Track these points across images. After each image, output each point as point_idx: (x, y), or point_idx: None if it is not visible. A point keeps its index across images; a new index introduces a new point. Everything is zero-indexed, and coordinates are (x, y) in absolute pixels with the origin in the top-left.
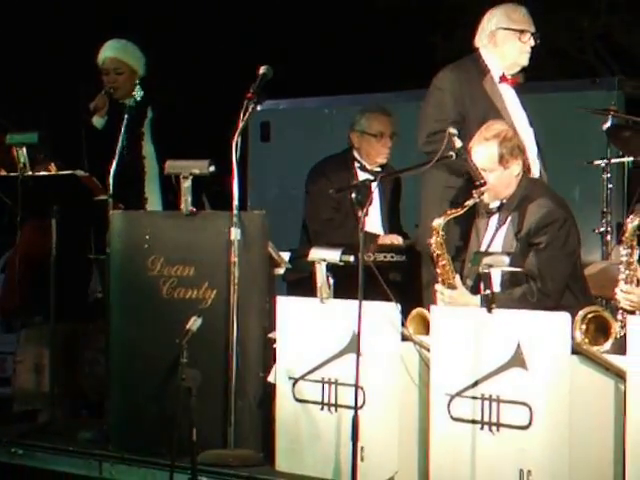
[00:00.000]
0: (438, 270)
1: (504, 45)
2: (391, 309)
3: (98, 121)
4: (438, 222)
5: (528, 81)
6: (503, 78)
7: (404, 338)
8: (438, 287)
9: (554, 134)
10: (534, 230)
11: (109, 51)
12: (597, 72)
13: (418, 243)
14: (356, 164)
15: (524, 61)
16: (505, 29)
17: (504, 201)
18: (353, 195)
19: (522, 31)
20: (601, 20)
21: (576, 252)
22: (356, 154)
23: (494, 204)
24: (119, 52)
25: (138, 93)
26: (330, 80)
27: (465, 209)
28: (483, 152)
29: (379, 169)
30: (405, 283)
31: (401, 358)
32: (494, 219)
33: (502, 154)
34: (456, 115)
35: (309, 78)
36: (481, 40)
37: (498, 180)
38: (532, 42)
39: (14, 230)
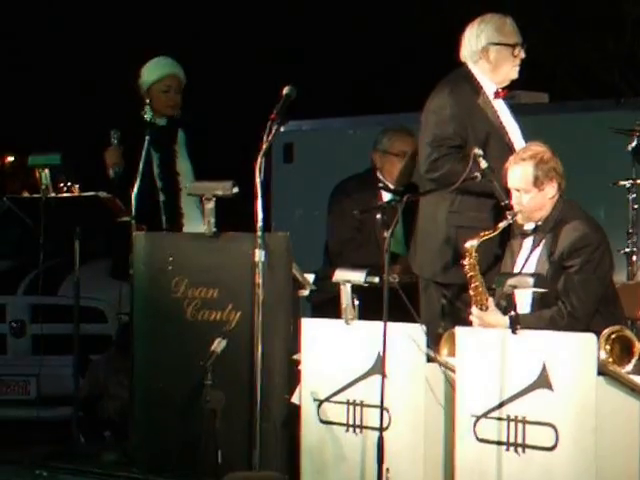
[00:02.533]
0: (471, 292)
1: (498, 61)
2: (416, 330)
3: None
4: (471, 244)
5: (553, 101)
6: (497, 93)
7: (429, 359)
8: (472, 309)
9: (579, 154)
10: (567, 253)
11: (169, 69)
12: (622, 92)
13: (415, 268)
14: (379, 184)
15: (515, 75)
16: (497, 44)
17: (539, 223)
18: (379, 216)
19: (514, 45)
20: (626, 40)
21: (608, 276)
22: (379, 174)
23: (529, 226)
24: (177, 69)
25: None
26: (354, 101)
27: (498, 231)
28: (518, 172)
29: (401, 189)
30: None
31: (426, 379)
32: (528, 241)
33: (537, 176)
34: (458, 140)
35: (333, 99)
36: (471, 57)
37: (532, 201)
38: (523, 54)
39: (37, 252)
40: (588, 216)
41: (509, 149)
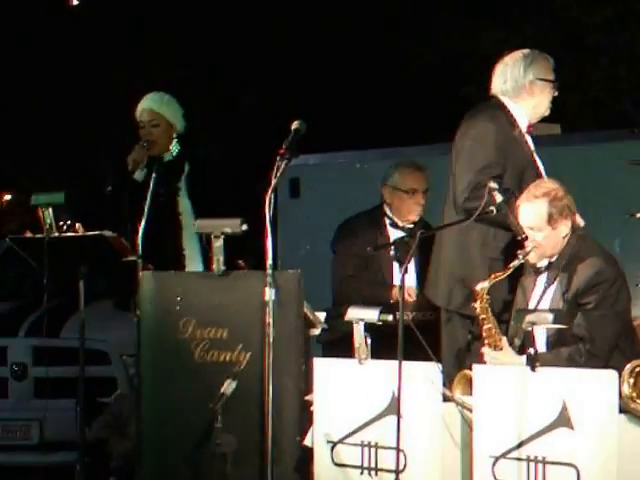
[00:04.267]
0: (484, 333)
1: (541, 96)
2: (432, 369)
3: (139, 174)
4: (482, 286)
5: (564, 132)
6: (529, 128)
7: (445, 399)
8: (484, 350)
9: (594, 186)
10: (583, 290)
11: (145, 103)
12: (634, 121)
13: (451, 303)
14: (387, 220)
15: (548, 112)
16: (543, 80)
17: (552, 260)
18: (392, 252)
19: (554, 82)
20: (638, 68)
21: (626, 311)
22: (387, 210)
23: (542, 263)
24: (155, 104)
25: (175, 148)
26: (361, 134)
27: (509, 271)
28: (531, 210)
29: (411, 225)
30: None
31: (443, 419)
32: (542, 278)
33: (551, 213)
34: (499, 168)
35: (339, 132)
36: (513, 91)
37: (545, 240)
38: (556, 93)
39: (37, 292)
40: (603, 250)
41: None
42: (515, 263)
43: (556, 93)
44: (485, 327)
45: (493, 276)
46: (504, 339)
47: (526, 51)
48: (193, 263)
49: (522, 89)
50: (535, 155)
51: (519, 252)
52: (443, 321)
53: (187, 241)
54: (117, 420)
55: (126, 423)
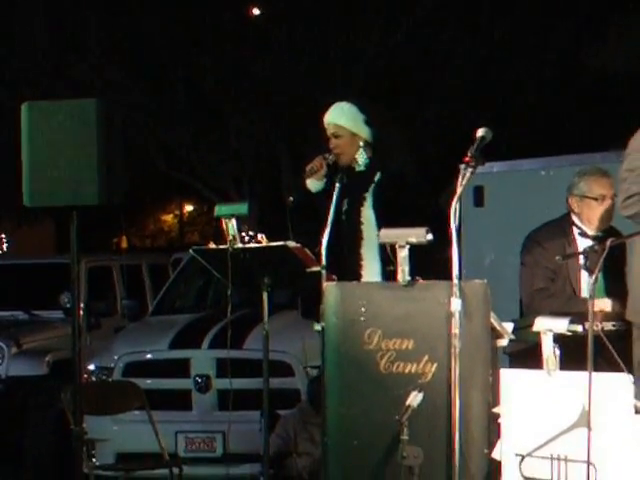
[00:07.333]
0: None
1: None
2: (623, 380)
3: (313, 184)
4: None
5: None
6: None
7: (637, 411)
8: None
9: None
10: None
11: (326, 117)
12: None
13: (629, 313)
14: (575, 230)
15: None
16: None
17: None
18: (581, 262)
19: None
20: None
21: None
22: (576, 219)
23: None
24: (335, 116)
25: (361, 157)
26: (546, 140)
27: None
28: None
29: (600, 234)
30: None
31: (635, 432)
32: None
33: None
34: None
35: (523, 139)
36: None
37: None
38: None
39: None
40: None
41: None
42: None
43: None
44: None
45: None
46: None
47: None
48: (371, 274)
49: None
50: None
51: None
52: (635, 336)
53: (366, 251)
54: (285, 442)
55: (296, 442)
